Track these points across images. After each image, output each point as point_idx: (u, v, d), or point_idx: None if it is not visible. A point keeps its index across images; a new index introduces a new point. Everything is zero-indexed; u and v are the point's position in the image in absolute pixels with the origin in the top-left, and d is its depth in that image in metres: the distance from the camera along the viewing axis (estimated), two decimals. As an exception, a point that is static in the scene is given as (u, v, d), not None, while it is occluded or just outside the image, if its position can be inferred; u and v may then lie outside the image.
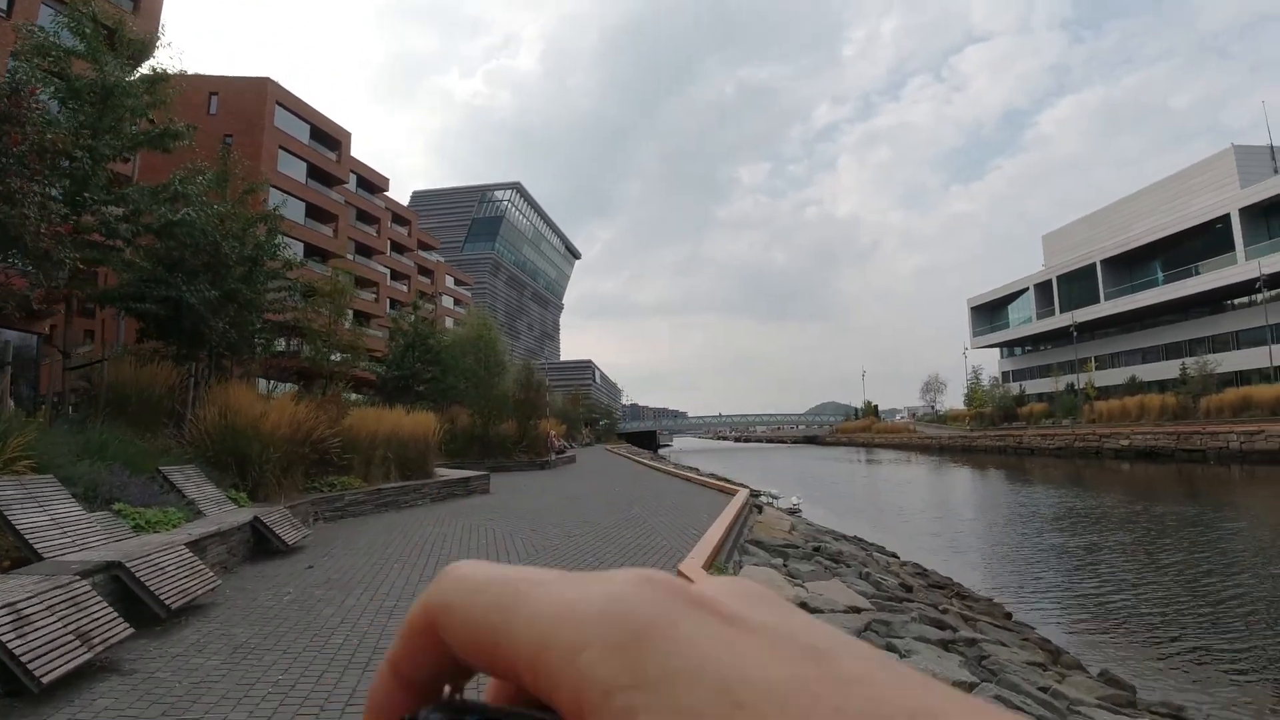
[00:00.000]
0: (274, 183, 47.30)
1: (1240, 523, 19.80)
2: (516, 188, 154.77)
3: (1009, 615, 11.38)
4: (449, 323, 58.95)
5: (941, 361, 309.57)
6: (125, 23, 14.64)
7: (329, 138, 55.24)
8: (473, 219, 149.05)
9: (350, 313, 18.02)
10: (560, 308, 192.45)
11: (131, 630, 5.76)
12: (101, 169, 12.59)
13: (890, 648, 6.66)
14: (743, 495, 15.16)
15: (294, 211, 49.13)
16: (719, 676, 0.20)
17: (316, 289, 18.29)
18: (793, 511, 22.67)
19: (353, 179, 61.79)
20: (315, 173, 53.02)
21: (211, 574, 7.59)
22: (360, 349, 18.22)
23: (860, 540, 16.15)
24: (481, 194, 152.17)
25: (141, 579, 6.49)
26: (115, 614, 5.73)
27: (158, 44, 15.36)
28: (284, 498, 12.78)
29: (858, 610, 8.06)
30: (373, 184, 66.64)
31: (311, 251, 51.09)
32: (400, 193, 76.98)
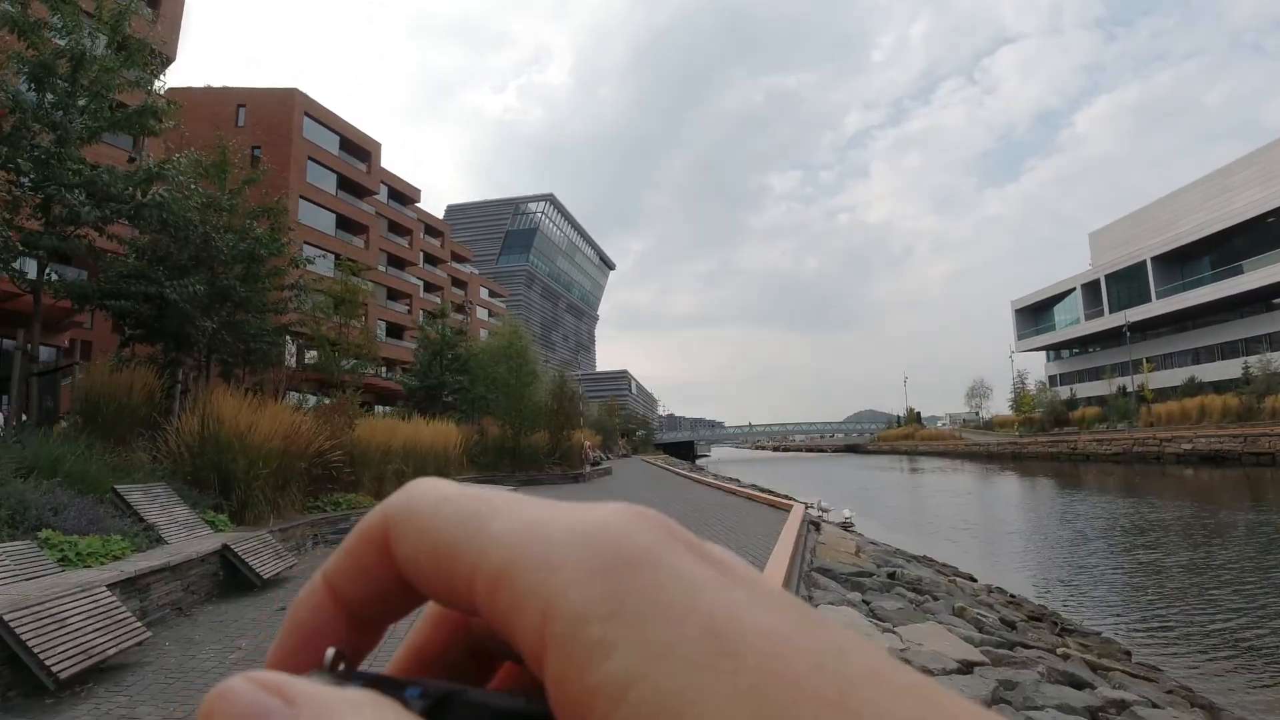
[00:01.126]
0: (303, 194, 46.61)
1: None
2: (550, 199, 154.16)
3: (1128, 654, 9.47)
4: (483, 335, 57.86)
5: (983, 366, 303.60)
6: (134, 20, 13.01)
7: (359, 148, 54.44)
8: (507, 231, 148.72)
9: (364, 315, 16.29)
10: (595, 318, 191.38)
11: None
12: (72, 150, 11.15)
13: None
14: (799, 512, 13.31)
15: (324, 223, 48.46)
16: (707, 618, 0.18)
17: (326, 291, 16.52)
18: (845, 526, 21.06)
19: (384, 190, 61.05)
20: (345, 184, 52.27)
21: (139, 625, 5.93)
22: (373, 355, 16.56)
23: (930, 560, 14.23)
24: (515, 206, 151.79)
25: (23, 637, 4.84)
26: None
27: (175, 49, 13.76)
28: (275, 519, 11.20)
29: (970, 665, 6.19)
30: (404, 195, 65.82)
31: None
32: (434, 208, 76.54)
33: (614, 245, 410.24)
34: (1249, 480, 34.61)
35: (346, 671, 0.23)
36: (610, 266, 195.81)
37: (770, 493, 21.97)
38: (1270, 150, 61.30)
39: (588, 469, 30.22)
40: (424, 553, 0.22)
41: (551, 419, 31.13)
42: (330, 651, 0.23)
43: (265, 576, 8.59)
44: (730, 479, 45.55)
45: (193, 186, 13.20)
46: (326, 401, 15.09)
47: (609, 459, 62.28)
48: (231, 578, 8.63)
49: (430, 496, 0.23)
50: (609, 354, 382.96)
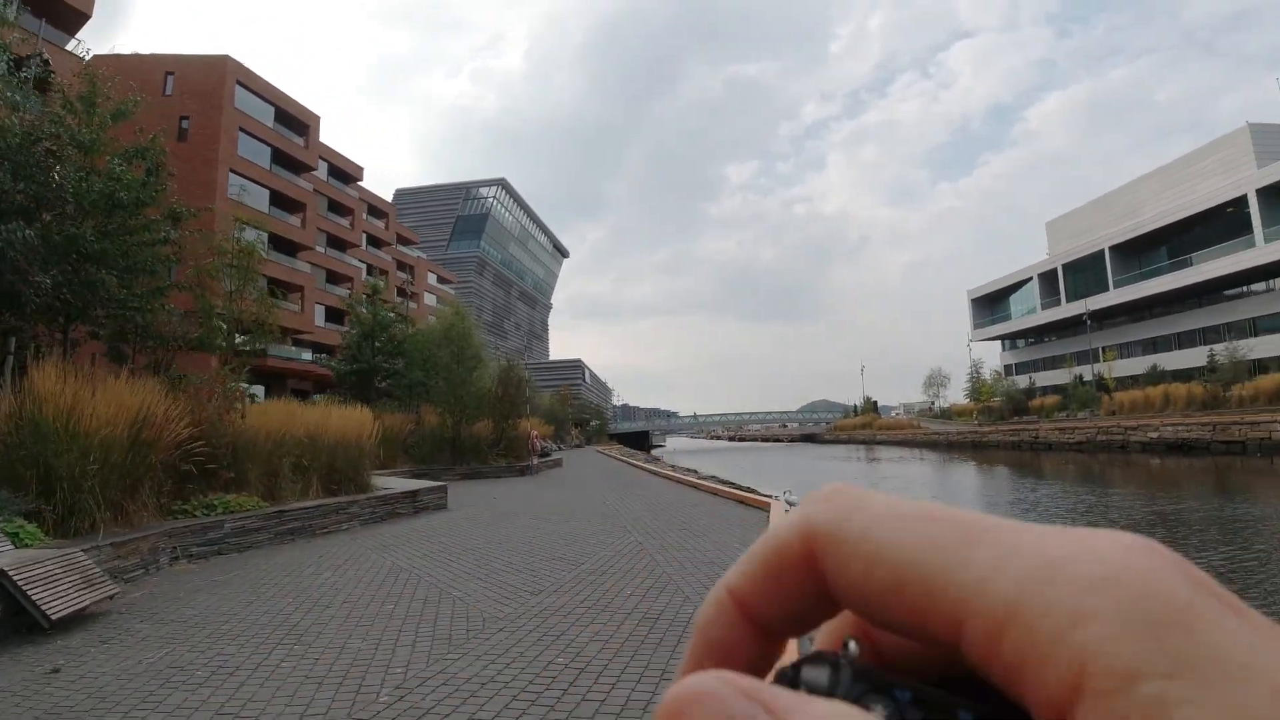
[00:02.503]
0: (234, 167, 43.44)
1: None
2: (502, 184, 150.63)
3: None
4: (431, 322, 54.99)
5: (938, 357, 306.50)
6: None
7: (296, 121, 51.19)
8: (457, 217, 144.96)
9: (262, 281, 13.65)
10: (549, 307, 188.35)
11: None
12: None
13: None
14: (778, 513, 11.11)
15: (257, 199, 45.26)
16: (1271, 676, 0.16)
17: (215, 249, 13.81)
18: None
19: (323, 167, 57.89)
20: (280, 158, 49.08)
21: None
22: (272, 328, 13.93)
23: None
24: (466, 191, 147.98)
25: None
26: None
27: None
28: (115, 529, 8.64)
29: None
30: (346, 173, 62.56)
31: (277, 242, 47.14)
32: (383, 193, 73.07)
33: (571, 234, 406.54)
34: (1217, 468, 33.60)
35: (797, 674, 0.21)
36: (564, 254, 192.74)
37: (735, 486, 19.82)
38: (1232, 139, 60.94)
39: (535, 461, 27.75)
40: (884, 580, 0.20)
41: (496, 407, 28.63)
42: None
43: (55, 616, 6.07)
44: (688, 470, 43.40)
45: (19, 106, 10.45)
46: (198, 380, 12.35)
47: (560, 449, 59.87)
48: (15, 616, 6.12)
49: (877, 512, 0.21)
50: (564, 344, 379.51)
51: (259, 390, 43.66)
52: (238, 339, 13.86)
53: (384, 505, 13.51)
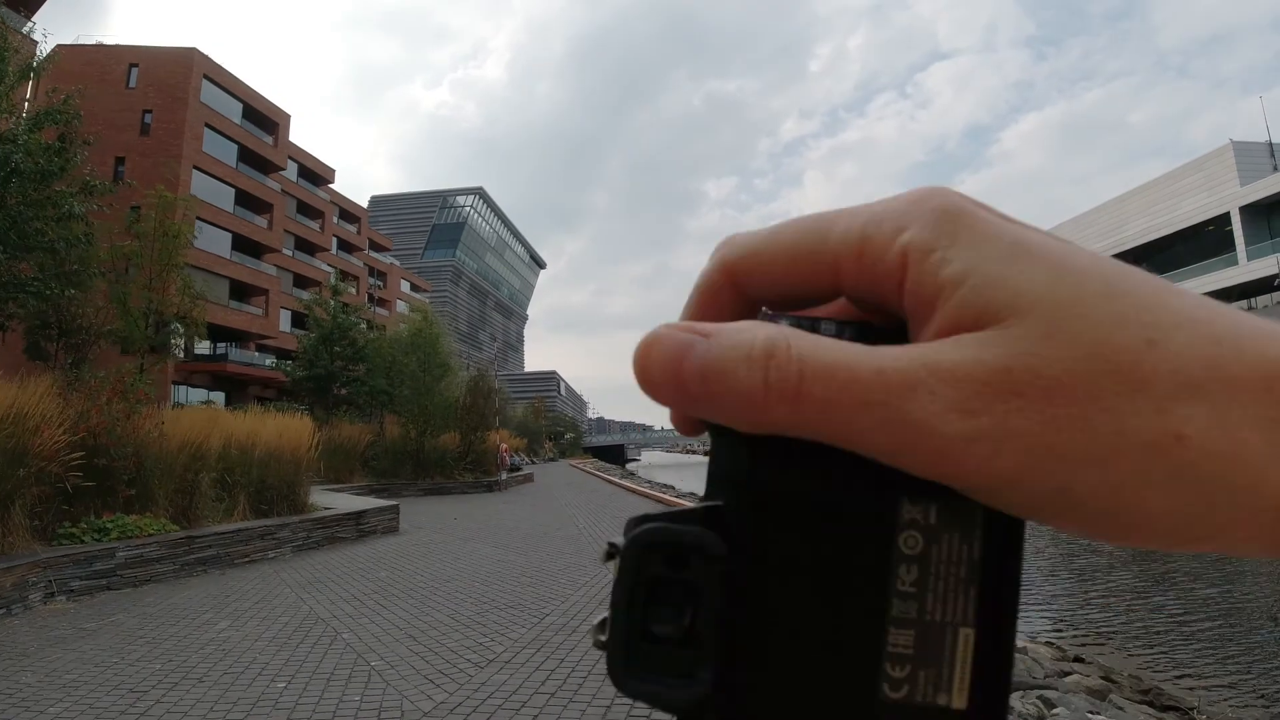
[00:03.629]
0: (198, 164, 41.33)
1: None
2: (479, 193, 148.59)
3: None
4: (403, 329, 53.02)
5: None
6: None
7: (265, 119, 49.15)
8: (433, 225, 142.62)
9: (186, 270, 11.84)
10: (525, 318, 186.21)
11: None
12: None
13: None
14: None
15: (221, 197, 43.21)
16: (1013, 235, 0.23)
17: (136, 232, 11.97)
18: None
19: (293, 168, 55.77)
20: (248, 156, 46.95)
21: None
22: (197, 321, 12.12)
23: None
24: (443, 199, 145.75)
25: None
26: None
27: None
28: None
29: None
30: (316, 174, 60.48)
31: (241, 243, 45.06)
32: (359, 199, 71.02)
33: (549, 245, 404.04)
34: None
35: None
36: (541, 265, 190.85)
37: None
38: (1216, 157, 60.60)
39: (504, 475, 25.89)
40: (782, 269, 0.26)
41: (464, 418, 26.82)
42: None
43: None
44: (666, 486, 41.70)
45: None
46: (97, 378, 10.51)
47: (533, 463, 57.96)
48: None
49: (760, 235, 0.27)
50: (540, 356, 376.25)
51: (219, 397, 41.75)
52: (178, 335, 11.97)
53: (322, 529, 11.72)
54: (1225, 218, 54.64)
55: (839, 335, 0.24)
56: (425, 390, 25.71)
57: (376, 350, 27.29)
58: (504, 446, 26.65)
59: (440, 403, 26.18)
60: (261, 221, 47.71)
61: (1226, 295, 55.43)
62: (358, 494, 20.73)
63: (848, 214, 0.26)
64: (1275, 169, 54.30)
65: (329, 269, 59.38)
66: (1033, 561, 16.98)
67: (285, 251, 52.23)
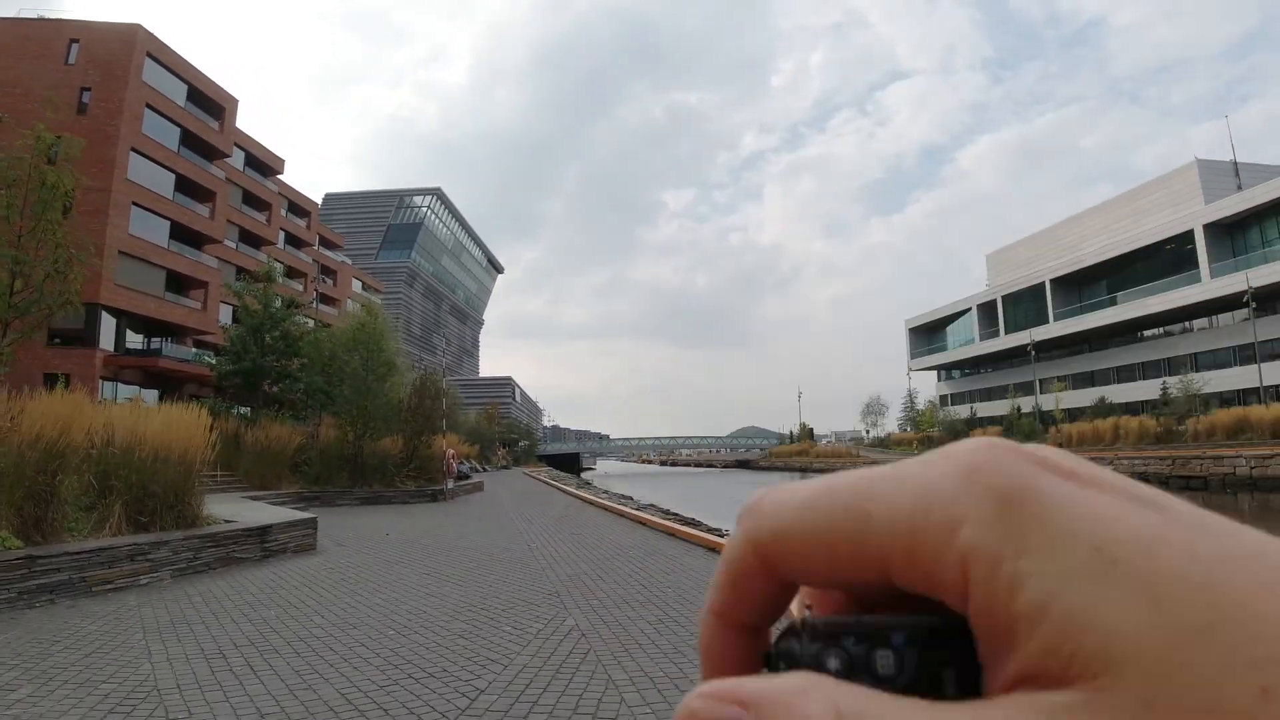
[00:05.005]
0: (137, 146, 38.64)
1: None
2: (437, 194, 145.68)
3: None
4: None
5: (866, 388, 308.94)
6: None
7: (210, 102, 46.47)
8: (389, 225, 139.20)
9: (61, 215, 9.65)
10: (480, 323, 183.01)
11: None
12: None
13: None
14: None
15: (160, 182, 40.52)
16: (1091, 534, 0.20)
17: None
18: None
19: (240, 155, 53.10)
20: (190, 141, 44.39)
21: None
22: (75, 285, 9.92)
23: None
24: (400, 199, 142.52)
25: None
26: None
27: None
28: None
29: None
30: (265, 164, 57.76)
31: (181, 233, 42.31)
32: (317, 198, 67.95)
33: (506, 252, 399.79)
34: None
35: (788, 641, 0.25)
36: (498, 270, 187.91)
37: (694, 525, 16.28)
38: (1181, 174, 60.66)
39: (450, 484, 23.68)
40: (819, 557, 0.24)
41: (409, 421, 24.60)
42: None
43: None
44: (623, 497, 39.78)
45: None
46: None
47: (484, 471, 55.56)
48: None
49: (791, 511, 0.25)
50: (496, 362, 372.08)
51: (151, 395, 38.94)
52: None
53: (214, 547, 9.56)
54: (1189, 235, 54.12)
55: (900, 666, 0.22)
56: (367, 390, 23.51)
57: (314, 345, 24.96)
58: (450, 453, 24.44)
59: (383, 404, 23.99)
60: (203, 210, 45.11)
61: (1189, 313, 55.44)
62: (281, 503, 18.49)
63: (886, 489, 0.23)
64: (1239, 188, 54.37)
65: (275, 264, 56.68)
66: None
67: (228, 243, 49.57)
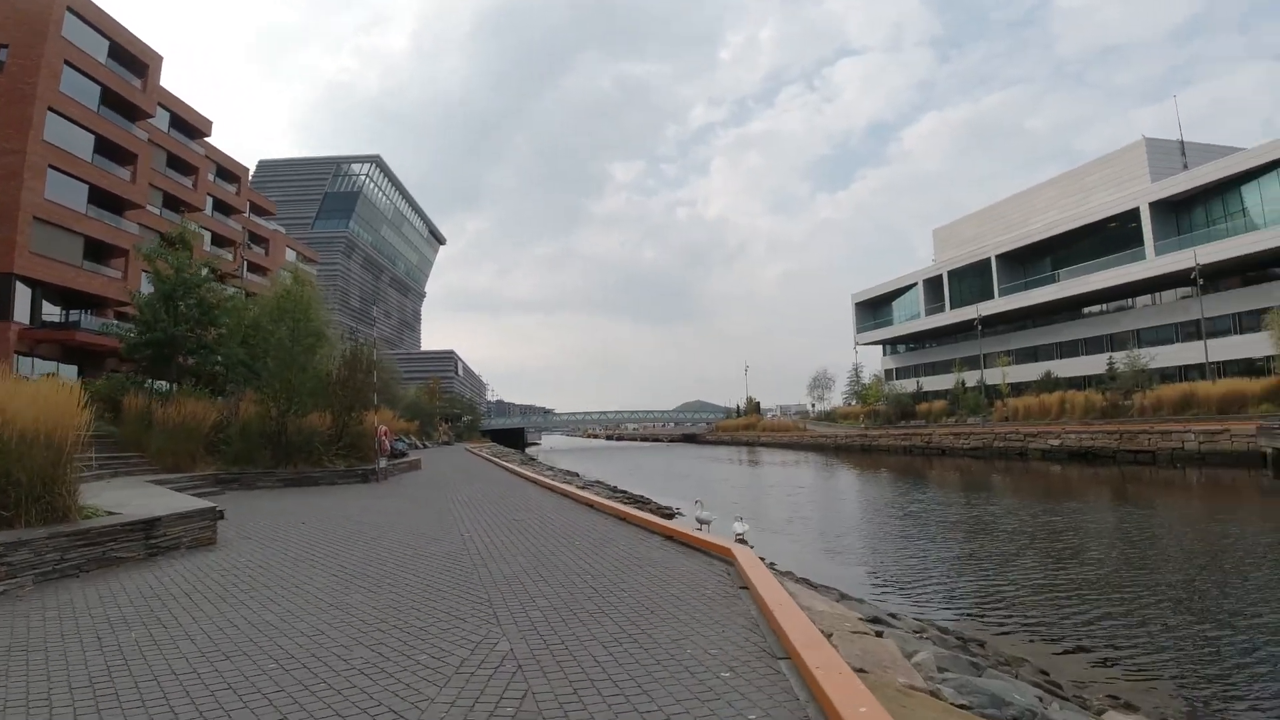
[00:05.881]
0: (54, 105, 36.11)
1: None
2: (376, 161, 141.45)
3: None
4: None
5: (811, 362, 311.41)
6: None
7: (133, 59, 43.71)
8: (325, 194, 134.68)
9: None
10: (422, 296, 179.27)
11: None
12: None
13: None
14: (750, 565, 6.58)
15: (79, 144, 37.99)
16: None
17: None
18: (741, 542, 14.92)
19: (164, 116, 50.25)
20: (112, 100, 41.74)
21: None
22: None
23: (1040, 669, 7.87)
24: (337, 166, 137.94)
25: None
26: None
27: None
28: None
29: None
30: (192, 125, 54.76)
31: (100, 197, 39.74)
32: (247, 164, 63.74)
33: (450, 223, 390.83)
34: (1125, 477, 32.08)
35: None
36: (441, 241, 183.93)
37: (644, 503, 15.21)
38: (1128, 153, 61.11)
39: (383, 463, 22.18)
40: None
41: (338, 395, 23.00)
42: None
43: None
44: (570, 473, 38.62)
45: None
46: None
47: (424, 448, 53.86)
48: None
49: None
50: (439, 336, 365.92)
51: (71, 371, 36.44)
52: None
53: (86, 546, 8.08)
54: (1134, 213, 54.94)
55: None
56: (293, 362, 21.86)
57: (234, 314, 23.14)
58: (383, 429, 22.88)
59: (310, 377, 22.35)
60: (124, 174, 42.41)
61: (1133, 290, 56.03)
62: (192, 487, 16.94)
63: None
64: (1185, 167, 54.92)
65: (202, 230, 53.73)
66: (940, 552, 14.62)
67: (151, 209, 46.83)
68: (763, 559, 7.70)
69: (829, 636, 5.15)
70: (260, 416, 21.42)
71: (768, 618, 5.28)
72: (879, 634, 5.99)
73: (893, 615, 8.77)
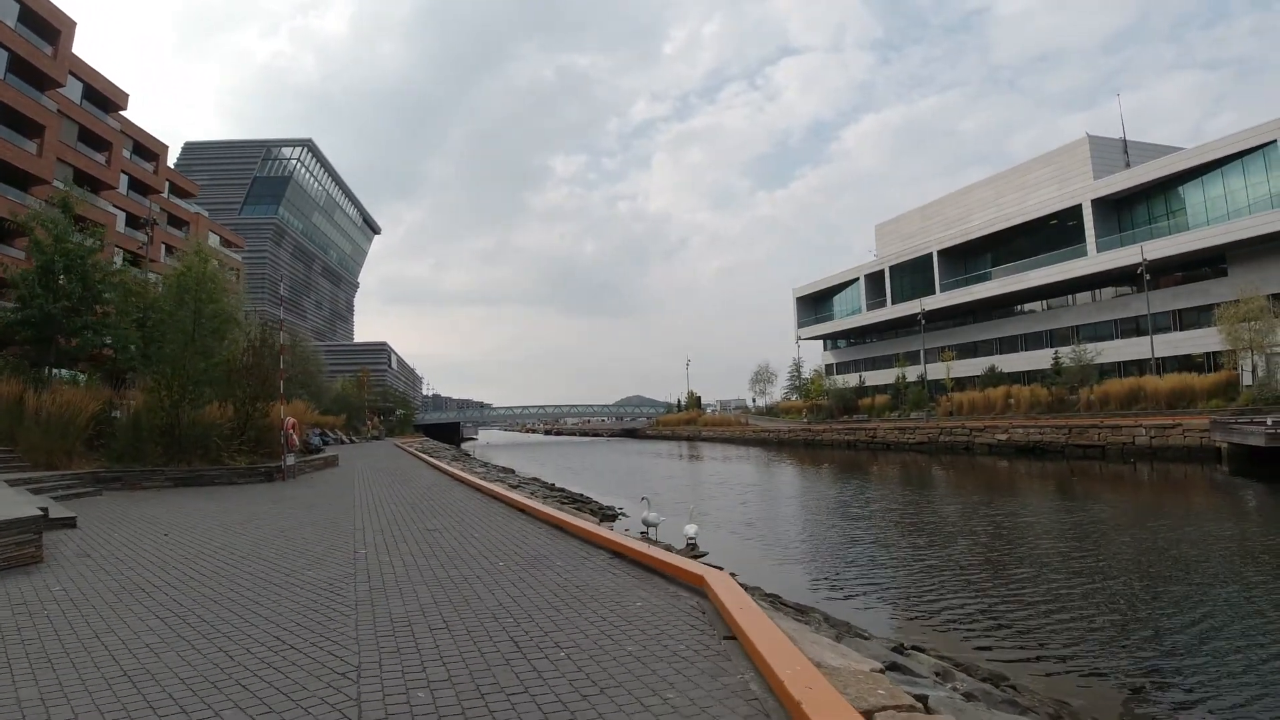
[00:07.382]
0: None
1: None
2: (308, 145, 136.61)
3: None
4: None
5: (750, 358, 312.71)
6: None
7: (44, 24, 40.46)
8: (254, 178, 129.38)
9: None
10: (355, 286, 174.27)
11: None
12: None
13: None
14: (729, 595, 4.77)
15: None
16: None
17: None
18: (691, 547, 13.84)
19: (76, 87, 46.47)
20: (19, 66, 38.64)
21: None
22: None
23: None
24: (266, 150, 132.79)
25: None
26: None
27: None
28: None
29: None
30: (106, 97, 50.85)
31: (2, 170, 36.48)
32: (173, 148, 59.32)
33: (385, 213, 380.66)
34: (1073, 472, 31.50)
35: None
36: (375, 230, 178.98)
37: (584, 502, 13.33)
38: (1071, 150, 61.14)
39: (291, 460, 19.74)
40: None
41: (241, 384, 20.53)
42: None
43: None
44: (505, 469, 36.45)
45: None
46: None
47: (350, 443, 51.01)
48: None
49: None
50: (373, 328, 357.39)
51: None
52: None
53: None
54: (1076, 210, 55.13)
55: None
56: (194, 347, 19.40)
57: (122, 289, 20.54)
58: (291, 422, 20.41)
59: (211, 364, 19.90)
60: (30, 147, 39.19)
61: (1075, 286, 56.05)
62: (62, 486, 14.54)
63: None
64: (1128, 165, 55.05)
65: (115, 210, 50.04)
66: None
67: (58, 184, 43.16)
68: (744, 586, 5.86)
69: (870, 717, 3.38)
70: (151, 407, 18.89)
71: (784, 700, 3.43)
72: (924, 703, 4.18)
73: (916, 648, 7.04)
